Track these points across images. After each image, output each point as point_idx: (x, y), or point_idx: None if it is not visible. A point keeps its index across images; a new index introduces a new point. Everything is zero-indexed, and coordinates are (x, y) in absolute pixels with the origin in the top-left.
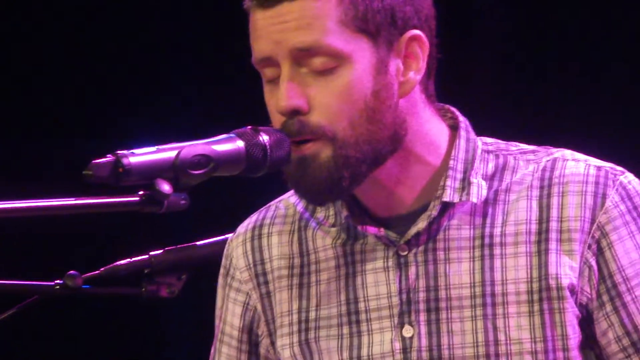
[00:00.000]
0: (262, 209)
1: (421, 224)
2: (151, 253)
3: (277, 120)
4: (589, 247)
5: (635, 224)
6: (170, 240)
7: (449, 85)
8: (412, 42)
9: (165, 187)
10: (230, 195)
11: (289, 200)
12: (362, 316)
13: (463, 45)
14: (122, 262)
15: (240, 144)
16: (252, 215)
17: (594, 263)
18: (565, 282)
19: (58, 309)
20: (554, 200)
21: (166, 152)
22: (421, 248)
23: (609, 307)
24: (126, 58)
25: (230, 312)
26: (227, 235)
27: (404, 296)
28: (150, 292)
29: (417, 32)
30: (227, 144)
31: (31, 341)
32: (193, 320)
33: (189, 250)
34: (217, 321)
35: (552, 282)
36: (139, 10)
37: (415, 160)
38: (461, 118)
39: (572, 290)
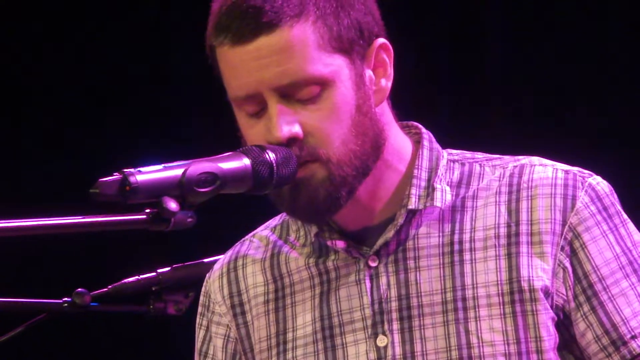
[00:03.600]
0: (235, 244)
1: (388, 234)
2: (159, 270)
3: None
4: (562, 248)
5: (607, 223)
6: (178, 257)
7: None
8: (380, 51)
9: (172, 205)
10: (237, 213)
11: (262, 234)
12: (337, 330)
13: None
14: (130, 279)
15: (246, 161)
16: (227, 252)
17: (568, 264)
18: (537, 284)
19: (66, 326)
20: (523, 204)
21: (173, 170)
22: (391, 258)
23: (586, 308)
24: (132, 75)
25: (212, 346)
26: None
27: (377, 306)
28: (157, 310)
29: (382, 40)
30: (233, 162)
31: (39, 358)
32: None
33: (196, 268)
34: (196, 358)
35: (525, 285)
36: (143, 23)
37: (388, 169)
38: (424, 130)
39: (547, 292)
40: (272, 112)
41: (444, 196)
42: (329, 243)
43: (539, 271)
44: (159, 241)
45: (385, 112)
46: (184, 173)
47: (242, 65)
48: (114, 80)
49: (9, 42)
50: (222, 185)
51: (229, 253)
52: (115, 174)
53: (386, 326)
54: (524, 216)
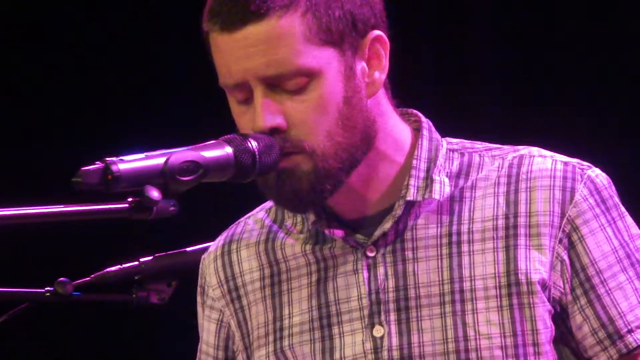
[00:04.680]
0: (231, 226)
1: (387, 225)
2: (141, 259)
3: None
4: (560, 241)
5: (605, 216)
6: (160, 246)
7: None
8: (374, 43)
9: (155, 194)
10: (220, 201)
11: (257, 216)
12: (334, 319)
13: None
14: (112, 268)
15: (229, 150)
16: (222, 233)
17: (565, 257)
18: (535, 277)
19: (48, 315)
20: (522, 196)
21: (155, 159)
22: (389, 248)
23: (583, 301)
24: (113, 64)
25: (206, 330)
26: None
27: (374, 297)
28: (140, 299)
29: (378, 32)
30: (216, 150)
31: (21, 348)
32: (183, 327)
33: (179, 257)
34: (200, 342)
35: (522, 277)
36: (128, 16)
37: (383, 159)
38: (424, 119)
39: (544, 285)
40: (257, 102)
41: (442, 188)
42: (326, 231)
43: (536, 264)
44: (142, 230)
45: (380, 103)
46: (166, 162)
47: (230, 52)
48: (95, 68)
49: None
50: (205, 173)
51: (224, 235)
52: (97, 162)
53: (383, 317)
54: (522, 208)
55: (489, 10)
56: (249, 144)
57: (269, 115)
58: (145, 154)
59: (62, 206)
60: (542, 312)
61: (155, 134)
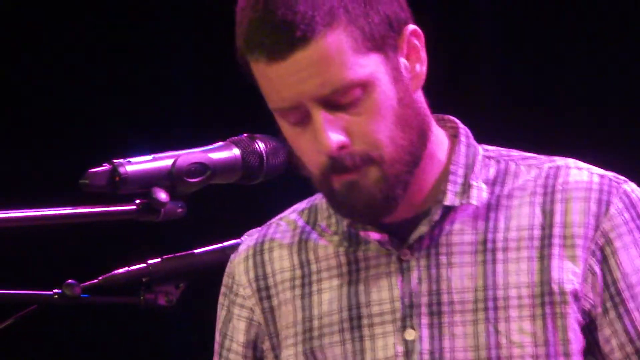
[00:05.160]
0: (262, 226)
1: (423, 229)
2: (149, 262)
3: (313, 160)
4: (593, 253)
5: (639, 232)
6: (168, 248)
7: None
8: (410, 37)
9: (162, 196)
10: (228, 203)
11: (289, 217)
12: (365, 321)
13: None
14: (120, 270)
15: (236, 151)
16: (252, 233)
17: (597, 269)
18: (568, 287)
19: (56, 317)
20: (558, 207)
21: (162, 161)
22: (423, 252)
23: (612, 314)
24: (120, 67)
25: (235, 328)
26: (225, 243)
27: (407, 300)
28: (148, 301)
29: (411, 26)
30: (223, 152)
31: (30, 350)
32: (191, 329)
33: (187, 259)
34: (218, 338)
35: (555, 287)
36: (133, 14)
37: (430, 160)
38: (461, 125)
39: (576, 295)
40: (318, 123)
41: (480, 194)
42: (361, 233)
43: (569, 274)
44: (149, 232)
45: (424, 100)
46: (173, 163)
47: (280, 80)
48: (103, 68)
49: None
50: (212, 175)
51: (255, 234)
52: (104, 164)
53: (415, 320)
54: (557, 219)
55: (491, 9)
56: (257, 146)
57: (332, 133)
58: (153, 155)
59: (69, 208)
60: (574, 322)
61: (163, 135)
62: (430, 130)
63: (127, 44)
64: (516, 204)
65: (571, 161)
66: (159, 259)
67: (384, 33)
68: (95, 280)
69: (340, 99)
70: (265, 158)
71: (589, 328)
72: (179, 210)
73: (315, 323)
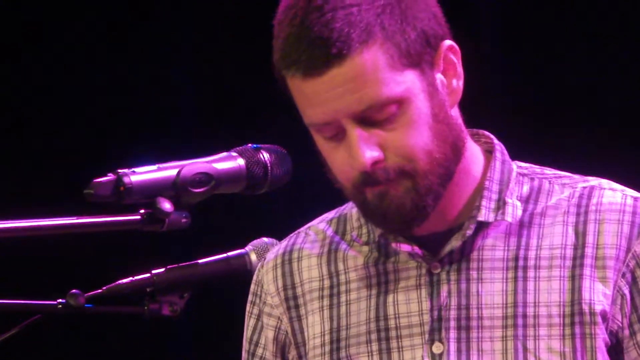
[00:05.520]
0: (291, 235)
1: (455, 243)
2: (153, 271)
3: (346, 174)
4: (623, 275)
5: None
6: (172, 258)
7: None
8: (447, 53)
9: (167, 206)
10: (232, 213)
11: (318, 227)
12: (393, 333)
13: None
14: (125, 280)
15: (241, 161)
16: (281, 242)
17: (627, 292)
18: (598, 308)
19: (60, 327)
20: (590, 227)
21: (167, 171)
22: (454, 266)
23: (639, 337)
24: (123, 75)
25: (263, 336)
26: (229, 254)
27: (435, 313)
28: (152, 311)
29: (448, 42)
30: (227, 162)
31: None
32: (195, 339)
33: (191, 269)
34: (246, 345)
35: (585, 307)
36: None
37: (465, 175)
38: (497, 141)
39: (604, 316)
40: (352, 139)
41: (515, 211)
42: (392, 244)
43: (600, 295)
44: (154, 242)
45: (459, 115)
46: (178, 173)
47: (316, 96)
48: (109, 79)
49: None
50: (217, 185)
51: (284, 243)
52: (109, 174)
53: (443, 334)
54: (590, 239)
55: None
56: (261, 156)
57: (367, 150)
58: (157, 165)
59: (74, 218)
60: (601, 343)
61: (167, 145)
62: (464, 146)
63: (127, 45)
64: (549, 223)
65: (605, 182)
66: (163, 269)
67: (421, 49)
68: (100, 290)
69: (376, 115)
70: (269, 168)
71: (615, 349)
72: (184, 220)
73: (343, 333)
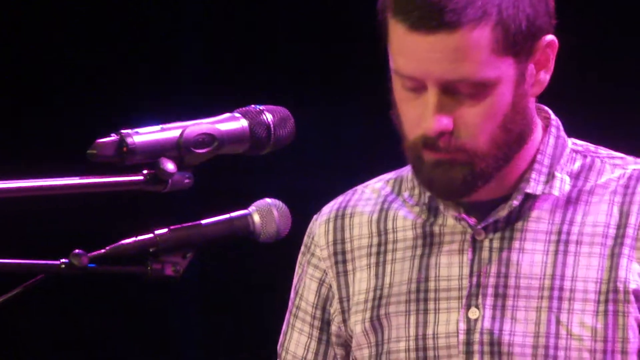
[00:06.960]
0: (348, 191)
1: (502, 212)
2: (156, 232)
3: (412, 129)
4: None
5: None
6: (175, 219)
7: None
8: (546, 48)
9: (170, 166)
10: (235, 174)
11: (375, 186)
12: (431, 295)
13: None
14: (128, 240)
15: (244, 122)
16: (337, 198)
17: None
18: (632, 286)
19: (63, 287)
20: (635, 208)
21: (170, 131)
22: (497, 235)
23: None
24: (128, 36)
25: (306, 287)
26: (232, 214)
27: (474, 279)
28: (155, 271)
29: (550, 37)
30: (231, 123)
31: (37, 319)
32: (197, 299)
33: (194, 229)
34: (292, 295)
35: (620, 285)
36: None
37: (522, 152)
38: (553, 117)
39: (637, 295)
40: (431, 102)
41: (562, 185)
42: (441, 208)
43: (635, 275)
44: (157, 202)
45: (534, 103)
46: (181, 134)
47: (414, 51)
48: (109, 39)
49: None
50: (220, 146)
51: (340, 199)
52: (112, 134)
53: (480, 300)
54: (632, 220)
55: None
56: (264, 117)
57: (440, 118)
58: (161, 126)
59: (77, 178)
60: (633, 322)
61: (171, 105)
62: (531, 135)
63: (137, 13)
64: (596, 201)
65: None
66: (166, 230)
67: (525, 40)
68: (103, 250)
69: (461, 89)
70: (272, 129)
71: None
72: (187, 181)
73: (386, 291)
